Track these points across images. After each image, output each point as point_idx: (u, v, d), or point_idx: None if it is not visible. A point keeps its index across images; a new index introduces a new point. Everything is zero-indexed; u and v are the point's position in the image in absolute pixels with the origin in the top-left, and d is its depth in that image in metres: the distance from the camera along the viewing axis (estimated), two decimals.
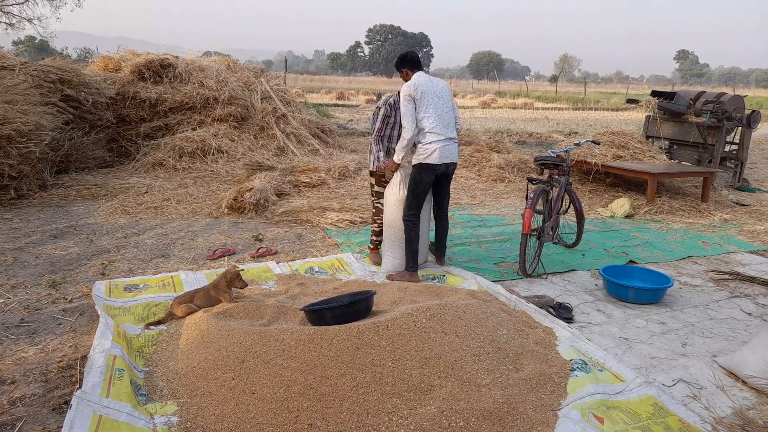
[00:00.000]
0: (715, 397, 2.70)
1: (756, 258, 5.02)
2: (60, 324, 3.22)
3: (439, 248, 4.48)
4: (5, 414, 2.33)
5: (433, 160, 3.95)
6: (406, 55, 4.16)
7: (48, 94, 7.21)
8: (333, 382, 2.45)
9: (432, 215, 4.46)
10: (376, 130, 4.23)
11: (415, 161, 4.06)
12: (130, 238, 4.93)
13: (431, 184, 4.13)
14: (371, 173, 4.46)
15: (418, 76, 4.02)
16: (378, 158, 4.25)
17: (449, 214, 4.49)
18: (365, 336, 2.67)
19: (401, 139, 4.01)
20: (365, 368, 2.52)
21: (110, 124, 8.33)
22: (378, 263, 4.48)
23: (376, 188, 4.47)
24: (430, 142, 3.95)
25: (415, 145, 4.08)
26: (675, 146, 8.79)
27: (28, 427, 2.27)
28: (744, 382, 2.81)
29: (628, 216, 6.46)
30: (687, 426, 2.42)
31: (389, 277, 4.15)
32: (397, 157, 4.08)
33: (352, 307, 2.97)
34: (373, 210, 4.52)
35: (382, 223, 4.40)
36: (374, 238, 4.58)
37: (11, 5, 19.57)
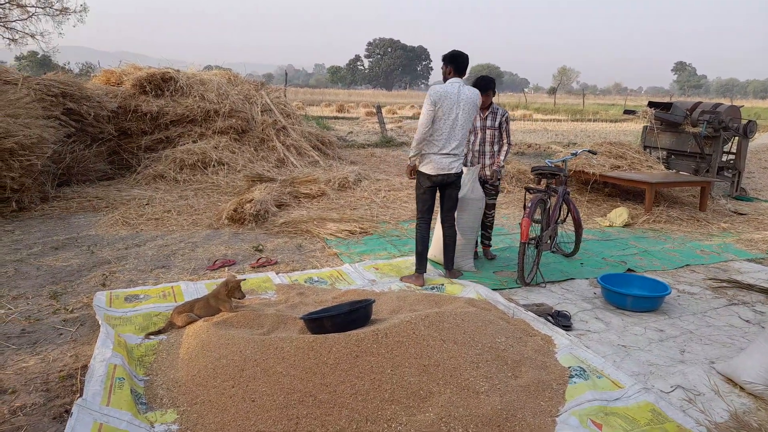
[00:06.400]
0: (713, 403, 2.71)
1: (754, 266, 5.04)
2: (61, 334, 3.24)
3: (444, 257, 4.45)
4: (6, 423, 2.35)
5: (429, 170, 4.12)
6: (450, 54, 4.13)
7: (50, 108, 7.27)
8: (332, 390, 2.46)
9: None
10: None
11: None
12: (131, 250, 4.96)
13: (434, 191, 4.24)
14: None
15: (449, 84, 4.06)
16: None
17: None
18: (364, 344, 2.69)
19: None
20: (364, 375, 2.53)
21: (112, 137, 8.40)
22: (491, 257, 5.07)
23: None
24: (429, 153, 4.11)
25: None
26: (672, 156, 8.84)
27: None
28: (741, 388, 2.82)
29: (626, 225, 6.49)
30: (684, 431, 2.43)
31: (402, 279, 4.34)
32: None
33: (352, 315, 2.99)
34: None
35: None
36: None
37: (14, 21, 19.72)
